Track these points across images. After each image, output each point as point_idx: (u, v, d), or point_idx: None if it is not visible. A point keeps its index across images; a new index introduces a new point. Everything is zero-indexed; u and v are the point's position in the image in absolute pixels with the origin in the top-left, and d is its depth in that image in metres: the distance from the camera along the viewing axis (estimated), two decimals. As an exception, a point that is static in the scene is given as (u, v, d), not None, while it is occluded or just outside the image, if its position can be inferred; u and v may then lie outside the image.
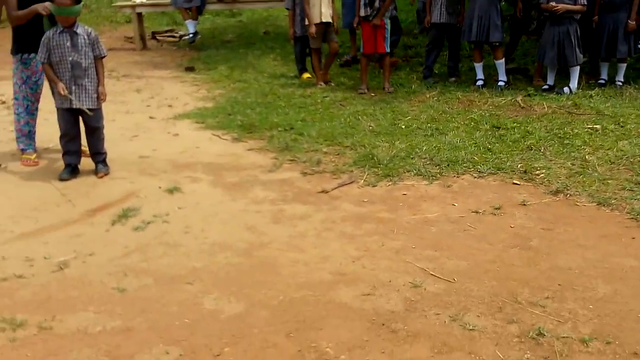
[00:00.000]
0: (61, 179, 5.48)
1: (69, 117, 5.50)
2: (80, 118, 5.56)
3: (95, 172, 5.60)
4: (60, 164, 5.68)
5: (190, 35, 11.64)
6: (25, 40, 5.68)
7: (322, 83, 8.63)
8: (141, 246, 4.30)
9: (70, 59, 5.36)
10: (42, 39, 5.36)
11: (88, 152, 5.72)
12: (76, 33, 5.38)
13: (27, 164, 5.87)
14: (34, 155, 5.96)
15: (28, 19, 5.60)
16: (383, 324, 3.39)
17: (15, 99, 5.94)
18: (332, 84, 8.71)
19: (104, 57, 5.57)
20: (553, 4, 7.80)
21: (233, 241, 4.35)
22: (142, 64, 10.50)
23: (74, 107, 5.43)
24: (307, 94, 8.17)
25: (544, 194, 5.04)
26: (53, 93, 5.51)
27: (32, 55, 5.73)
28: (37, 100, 5.99)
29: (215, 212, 4.83)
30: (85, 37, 5.42)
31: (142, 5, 12.33)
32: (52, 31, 5.35)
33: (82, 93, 5.42)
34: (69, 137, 5.55)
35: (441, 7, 8.60)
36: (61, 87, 5.34)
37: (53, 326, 3.43)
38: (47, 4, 5.44)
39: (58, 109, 5.50)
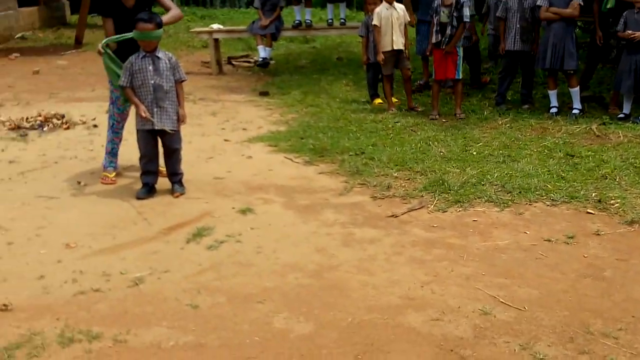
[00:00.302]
0: (138, 198, 5.62)
1: (149, 138, 5.65)
2: (160, 139, 5.71)
3: (172, 192, 5.73)
4: (138, 183, 5.84)
5: (260, 60, 11.82)
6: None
7: (393, 108, 8.64)
8: (214, 265, 4.37)
9: (152, 82, 5.51)
10: (125, 63, 5.53)
11: (165, 172, 5.85)
12: (158, 57, 5.54)
13: (105, 182, 6.04)
14: (113, 174, 6.13)
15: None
16: (451, 350, 3.36)
17: (108, 117, 6.20)
18: (419, 109, 8.70)
19: (184, 81, 5.71)
20: (630, 32, 7.66)
21: (304, 263, 4.38)
22: (218, 88, 10.70)
23: (156, 128, 5.57)
24: (379, 119, 8.19)
25: (618, 224, 4.93)
26: (132, 108, 5.68)
27: None
28: (123, 120, 6.19)
29: (287, 234, 4.87)
30: (167, 61, 5.57)
31: (219, 31, 12.62)
32: (134, 56, 5.52)
33: (163, 115, 5.57)
34: (148, 158, 5.69)
35: (515, 35, 8.53)
36: (143, 109, 5.49)
37: (128, 339, 3.51)
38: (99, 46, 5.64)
39: (138, 130, 5.65)
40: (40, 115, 8.30)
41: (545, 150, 6.72)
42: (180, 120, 5.68)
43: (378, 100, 9.17)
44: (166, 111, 5.58)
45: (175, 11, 5.89)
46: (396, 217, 5.16)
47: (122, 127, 6.22)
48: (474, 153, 6.69)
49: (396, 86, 9.34)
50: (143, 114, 5.48)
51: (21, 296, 3.99)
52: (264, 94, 10.10)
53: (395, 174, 6.11)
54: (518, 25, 8.51)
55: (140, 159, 5.74)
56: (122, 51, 5.75)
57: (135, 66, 5.51)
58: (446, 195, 5.53)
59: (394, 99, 8.97)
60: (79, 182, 6.07)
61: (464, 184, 5.74)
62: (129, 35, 5.55)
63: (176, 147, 5.75)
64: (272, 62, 12.02)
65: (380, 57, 8.60)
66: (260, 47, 11.72)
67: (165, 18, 5.70)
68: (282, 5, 11.77)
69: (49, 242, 4.78)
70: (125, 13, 5.76)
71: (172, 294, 3.99)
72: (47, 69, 12.67)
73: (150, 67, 5.51)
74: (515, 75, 8.98)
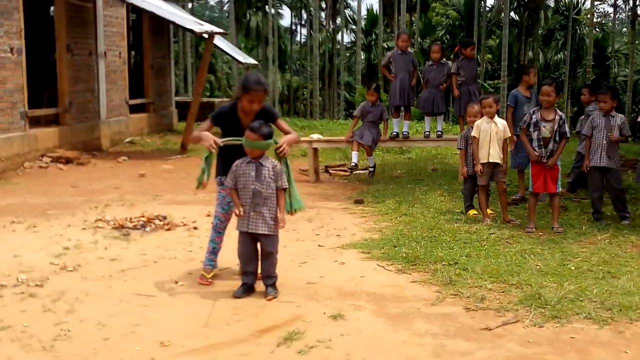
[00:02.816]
0: (236, 297, 5.74)
1: (247, 240, 5.84)
2: (258, 242, 5.86)
3: (265, 295, 5.78)
4: (234, 285, 5.94)
5: (352, 164, 12.07)
6: (223, 164, 6.09)
7: (488, 220, 8.54)
8: (303, 370, 4.34)
9: (253, 187, 5.73)
10: (232, 166, 5.80)
11: (260, 275, 5.94)
12: (262, 164, 5.77)
13: (202, 282, 6.16)
14: (211, 274, 6.24)
15: (194, 143, 6.04)
16: None
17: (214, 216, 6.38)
18: (516, 222, 8.56)
19: (285, 188, 5.89)
20: None
21: (393, 372, 4.30)
22: (314, 195, 10.87)
23: (249, 230, 5.74)
24: (473, 230, 8.10)
25: None
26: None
27: None
28: (227, 220, 6.32)
29: (377, 342, 4.81)
30: (270, 169, 5.79)
31: (318, 141, 12.96)
32: (241, 160, 5.80)
33: (258, 219, 5.76)
34: (245, 258, 5.89)
35: (601, 152, 8.52)
36: (237, 211, 5.71)
37: None
38: (213, 141, 5.83)
39: (239, 232, 5.86)
40: (143, 216, 8.61)
41: (647, 268, 6.48)
42: (277, 225, 5.81)
43: (473, 212, 9.10)
44: (262, 216, 5.75)
45: (294, 135, 6.14)
46: (490, 330, 5.03)
47: (225, 227, 6.36)
48: (572, 268, 6.50)
49: (491, 199, 9.27)
50: (237, 213, 5.69)
51: (114, 391, 4.05)
52: (359, 202, 10.19)
53: (490, 286, 5.98)
54: (604, 142, 8.50)
55: (239, 258, 5.93)
56: (230, 154, 5.96)
57: (239, 170, 5.77)
58: (542, 310, 5.37)
59: (489, 211, 8.89)
60: (177, 282, 6.21)
61: (561, 299, 5.56)
62: (241, 140, 5.80)
63: (271, 251, 5.86)
64: (371, 169, 12.14)
65: (478, 167, 8.59)
66: (354, 154, 11.97)
67: (287, 139, 5.97)
68: (387, 117, 12.07)
69: (144, 339, 4.86)
70: (237, 128, 6.00)
71: (260, 397, 3.97)
72: (153, 172, 13.22)
73: (253, 173, 5.74)
74: (603, 191, 8.82)
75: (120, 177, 12.50)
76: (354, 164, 12.04)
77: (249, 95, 5.88)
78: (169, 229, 8.26)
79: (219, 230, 6.33)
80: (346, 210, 9.64)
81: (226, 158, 6.04)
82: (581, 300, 5.54)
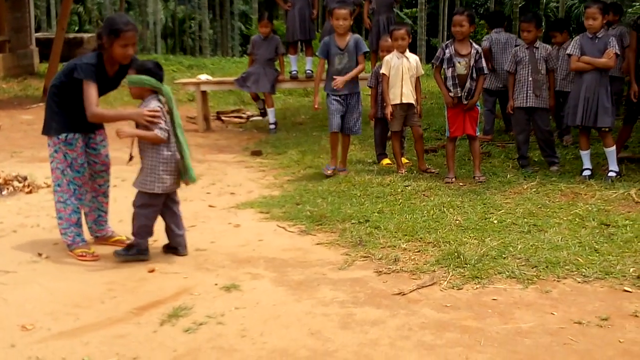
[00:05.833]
0: (144, 259, 5.92)
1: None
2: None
3: (181, 253, 6.05)
4: (106, 256, 5.89)
5: (271, 125, 12.19)
6: (71, 119, 5.91)
7: (403, 170, 8.69)
8: (192, 350, 4.35)
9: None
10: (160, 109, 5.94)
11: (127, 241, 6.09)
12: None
13: (85, 259, 5.96)
14: (92, 249, 6.09)
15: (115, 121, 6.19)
16: None
17: (58, 185, 6.06)
18: (435, 172, 8.77)
19: None
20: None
21: (295, 348, 4.36)
22: (204, 147, 10.81)
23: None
24: (386, 182, 8.24)
25: (660, 303, 4.91)
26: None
27: (77, 135, 5.95)
28: (85, 184, 6.15)
29: (277, 314, 4.86)
30: None
31: (207, 82, 12.79)
32: (155, 104, 5.98)
33: None
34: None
35: (527, 90, 8.73)
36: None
37: None
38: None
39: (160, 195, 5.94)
40: (-2, 177, 8.38)
41: (577, 219, 6.75)
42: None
43: (386, 161, 9.25)
44: None
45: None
46: (404, 294, 5.15)
47: (86, 191, 6.19)
48: (495, 221, 6.72)
49: (408, 145, 9.43)
50: None
51: (-34, 386, 3.97)
52: (257, 153, 10.20)
53: (404, 246, 6.12)
54: (530, 79, 8.71)
55: (149, 226, 5.98)
56: (75, 105, 5.87)
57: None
58: (462, 270, 5.53)
59: (404, 160, 9.05)
60: (40, 254, 6.08)
61: (482, 257, 5.74)
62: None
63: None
64: (272, 127, 12.11)
65: (389, 110, 8.69)
66: (270, 110, 12.06)
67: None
68: (282, 52, 12.02)
69: (2, 323, 4.76)
70: (105, 80, 5.94)
71: (141, 384, 3.97)
72: (10, 124, 12.87)
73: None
74: (531, 132, 9.10)
75: (-30, 131, 12.10)
76: (273, 125, 12.12)
77: (122, 39, 5.73)
78: (29, 192, 8.09)
79: (79, 197, 6.10)
80: (242, 164, 9.64)
81: (72, 110, 5.86)
82: (504, 258, 5.74)
